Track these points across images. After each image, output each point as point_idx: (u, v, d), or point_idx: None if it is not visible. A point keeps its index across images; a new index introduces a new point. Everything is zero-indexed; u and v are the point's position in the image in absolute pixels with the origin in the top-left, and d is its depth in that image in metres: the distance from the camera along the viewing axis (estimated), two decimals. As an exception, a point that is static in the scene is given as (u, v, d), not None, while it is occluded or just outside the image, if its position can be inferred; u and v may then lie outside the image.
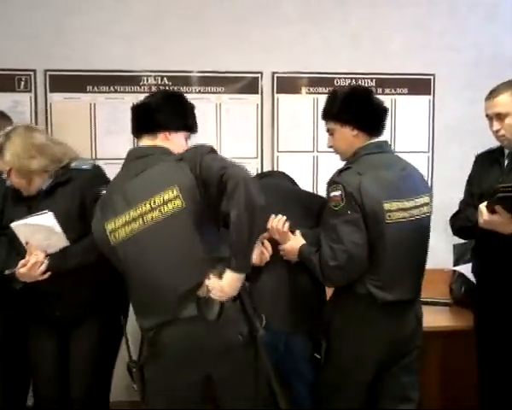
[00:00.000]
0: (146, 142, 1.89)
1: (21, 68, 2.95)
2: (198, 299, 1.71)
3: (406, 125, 3.20)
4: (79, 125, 2.96)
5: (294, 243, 2.10)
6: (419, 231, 2.10)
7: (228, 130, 3.10)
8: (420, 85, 3.19)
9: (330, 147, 2.19)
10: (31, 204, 2.09)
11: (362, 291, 1.98)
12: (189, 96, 3.13)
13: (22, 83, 2.96)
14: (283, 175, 2.48)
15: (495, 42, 3.25)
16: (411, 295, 2.10)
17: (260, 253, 2.06)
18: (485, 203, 1.98)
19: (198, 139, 3.08)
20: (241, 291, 1.74)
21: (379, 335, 2.00)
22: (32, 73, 2.96)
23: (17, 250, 2.05)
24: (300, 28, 3.11)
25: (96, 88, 3.00)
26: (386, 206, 1.95)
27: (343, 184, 1.92)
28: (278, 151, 3.14)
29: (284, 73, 3.10)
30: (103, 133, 3.00)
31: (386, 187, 1.98)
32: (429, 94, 3.21)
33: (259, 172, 3.09)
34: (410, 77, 3.19)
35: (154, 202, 1.71)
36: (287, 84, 3.10)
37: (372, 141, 2.10)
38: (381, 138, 2.16)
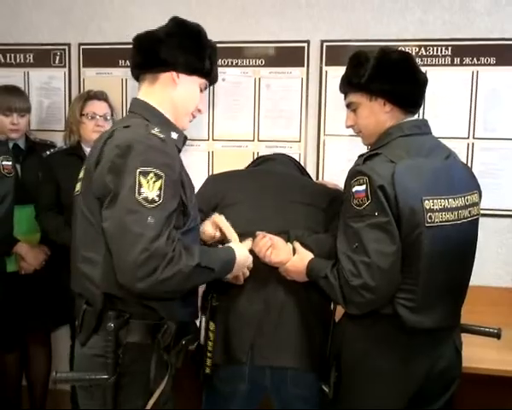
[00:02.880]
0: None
1: (56, 42, 2.83)
2: None
3: (493, 104, 2.53)
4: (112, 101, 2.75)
5: (298, 261, 1.66)
6: (465, 238, 1.60)
7: (267, 108, 2.70)
8: (512, 54, 2.50)
9: (350, 127, 1.73)
10: None
11: (387, 311, 1.52)
12: (222, 70, 2.82)
13: (57, 58, 2.84)
14: (289, 160, 2.04)
15: None
16: (451, 322, 1.61)
17: None
18: None
19: (234, 120, 2.79)
20: None
21: (408, 368, 1.54)
22: (66, 47, 2.83)
23: None
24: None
25: (128, 62, 2.79)
26: (428, 204, 1.48)
27: (370, 176, 1.47)
28: (325, 134, 2.66)
29: (335, 41, 2.61)
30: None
31: (428, 179, 1.51)
32: (525, 64, 2.50)
33: (300, 156, 2.67)
34: (499, 43, 2.49)
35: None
36: (338, 55, 2.58)
37: (408, 119, 1.64)
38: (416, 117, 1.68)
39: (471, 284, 1.68)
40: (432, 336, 1.55)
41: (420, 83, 1.64)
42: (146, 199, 1.29)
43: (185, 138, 1.55)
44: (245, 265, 1.61)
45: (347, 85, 1.69)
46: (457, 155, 1.68)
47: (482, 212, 1.71)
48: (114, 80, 2.80)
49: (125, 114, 2.76)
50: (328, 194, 1.87)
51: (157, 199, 1.30)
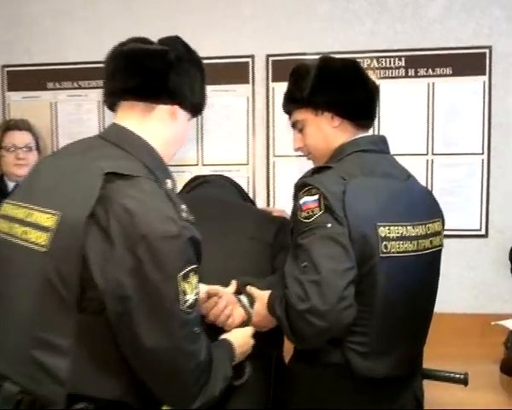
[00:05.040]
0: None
1: (-24, 65, 2.59)
2: None
3: (452, 117, 2.37)
4: (40, 127, 2.48)
5: (261, 308, 1.39)
6: (426, 271, 1.41)
7: (211, 129, 2.49)
8: (470, 63, 2.34)
9: (299, 149, 1.54)
10: None
11: (334, 360, 1.31)
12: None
13: (-21, 81, 2.59)
14: (228, 183, 1.82)
15: None
16: (410, 368, 1.40)
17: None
18: None
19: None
20: None
21: None
22: (-13, 69, 2.59)
23: None
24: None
25: (58, 84, 2.55)
26: (383, 231, 1.29)
27: (319, 188, 1.28)
28: (275, 155, 2.47)
29: (282, 55, 2.42)
30: (66, 136, 2.52)
31: (383, 202, 1.32)
32: (483, 74, 2.35)
33: (249, 179, 2.46)
34: (456, 52, 2.35)
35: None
36: (285, 70, 2.37)
37: (363, 135, 1.46)
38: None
39: (435, 311, 1.49)
40: (388, 387, 1.34)
41: (369, 91, 1.46)
42: (190, 305, 1.04)
43: (175, 184, 1.20)
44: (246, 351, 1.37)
45: (290, 103, 1.52)
46: (417, 180, 1.49)
47: (445, 233, 1.53)
48: (43, 105, 2.56)
49: (55, 142, 2.55)
50: (274, 223, 1.65)
51: (196, 298, 1.06)
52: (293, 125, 1.53)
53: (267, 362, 1.48)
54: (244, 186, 2.36)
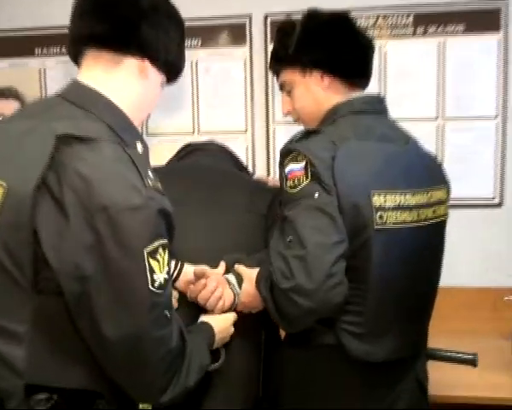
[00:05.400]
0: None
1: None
2: None
3: (463, 78, 2.21)
4: (30, 96, 2.38)
5: (250, 287, 1.28)
6: (428, 244, 1.29)
7: (207, 96, 2.35)
8: (483, 19, 2.16)
9: (288, 113, 1.44)
10: None
11: (328, 341, 1.21)
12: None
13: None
14: (223, 151, 1.68)
15: None
16: (412, 350, 1.30)
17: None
18: None
19: (170, 110, 2.45)
20: None
21: None
22: (-29, 35, 2.46)
23: None
24: None
25: (46, 50, 2.42)
26: (377, 200, 1.17)
27: (306, 155, 1.17)
28: (275, 122, 2.32)
29: (281, 13, 2.25)
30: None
31: (378, 168, 1.20)
32: (497, 30, 2.17)
33: (248, 148, 2.33)
34: (468, 8, 2.16)
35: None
36: (285, 30, 2.27)
37: (357, 95, 1.33)
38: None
39: (442, 285, 1.39)
40: (386, 370, 1.24)
41: (361, 46, 1.33)
42: (160, 286, 0.93)
43: (147, 149, 1.07)
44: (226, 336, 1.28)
45: (276, 62, 1.41)
46: (419, 142, 1.36)
47: (454, 202, 1.43)
48: (31, 72, 2.43)
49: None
50: (269, 193, 1.52)
51: (167, 277, 0.95)
52: (281, 86, 1.42)
53: (256, 343, 1.37)
54: (243, 155, 2.25)
